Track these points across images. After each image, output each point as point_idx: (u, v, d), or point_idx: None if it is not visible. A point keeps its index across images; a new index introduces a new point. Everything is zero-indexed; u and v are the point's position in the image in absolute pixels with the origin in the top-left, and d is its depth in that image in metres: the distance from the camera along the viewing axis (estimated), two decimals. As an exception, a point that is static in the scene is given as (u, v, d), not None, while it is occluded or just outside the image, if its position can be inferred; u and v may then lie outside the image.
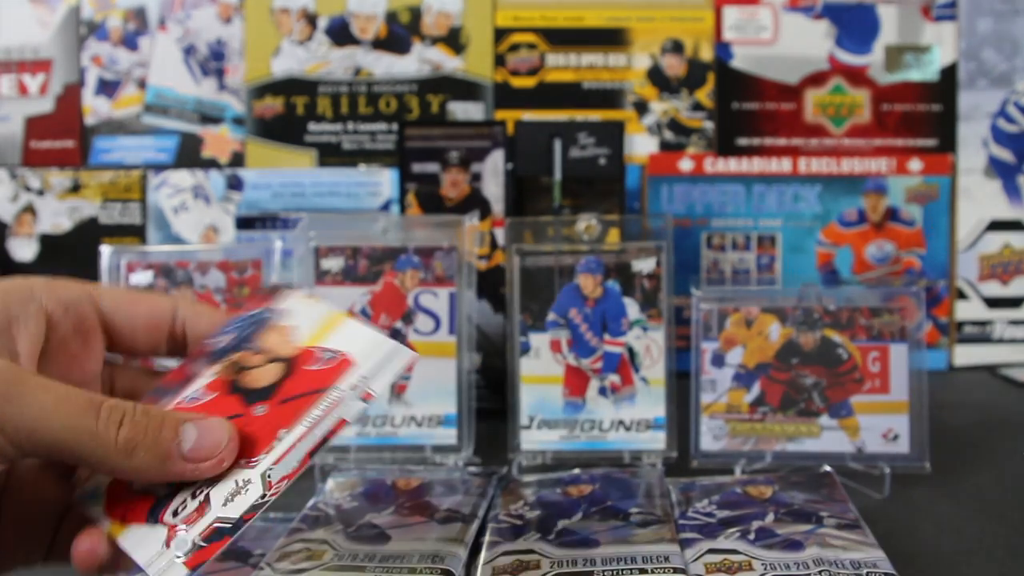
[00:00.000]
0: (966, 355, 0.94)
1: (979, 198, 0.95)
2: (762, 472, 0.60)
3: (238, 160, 0.96)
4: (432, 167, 0.77)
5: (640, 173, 0.94)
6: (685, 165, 0.94)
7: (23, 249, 0.95)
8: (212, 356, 0.38)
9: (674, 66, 0.95)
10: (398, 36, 0.96)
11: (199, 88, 0.97)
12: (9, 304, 0.35)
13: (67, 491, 0.36)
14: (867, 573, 0.42)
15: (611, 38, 0.96)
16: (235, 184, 0.94)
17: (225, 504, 0.31)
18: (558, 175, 0.77)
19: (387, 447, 0.63)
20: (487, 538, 0.48)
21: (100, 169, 0.95)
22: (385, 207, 0.93)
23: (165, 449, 0.31)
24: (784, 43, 0.95)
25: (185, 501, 0.32)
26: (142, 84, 0.97)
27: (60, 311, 0.36)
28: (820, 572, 0.42)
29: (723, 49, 0.96)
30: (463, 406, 0.63)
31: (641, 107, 0.95)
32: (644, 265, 0.63)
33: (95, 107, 0.98)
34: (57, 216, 0.95)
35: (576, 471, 0.58)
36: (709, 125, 0.95)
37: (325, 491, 0.55)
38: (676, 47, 0.95)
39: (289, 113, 0.96)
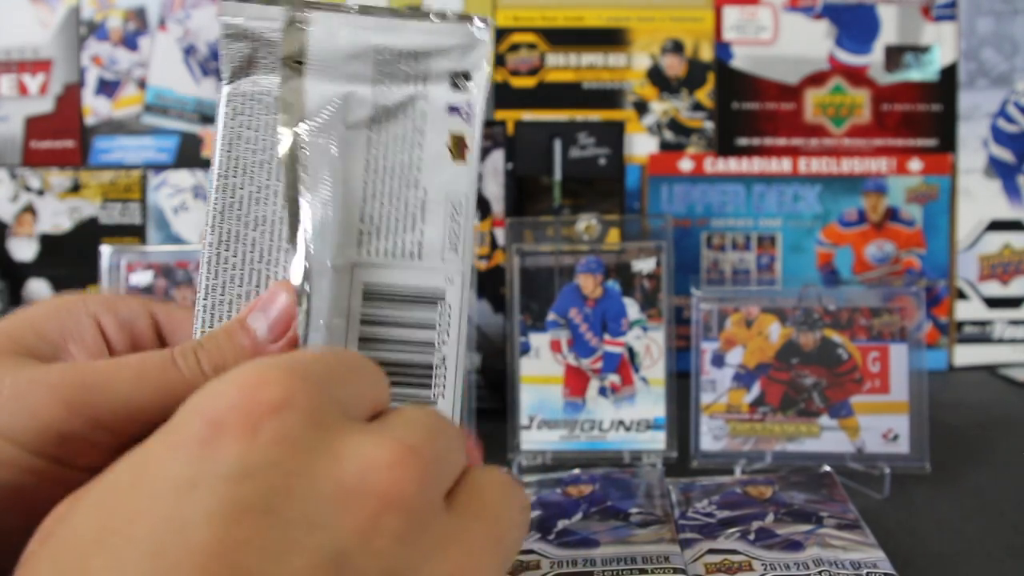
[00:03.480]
0: (966, 355, 0.94)
1: (979, 198, 0.95)
2: (762, 472, 0.60)
3: (238, 160, 0.96)
4: (432, 167, 0.77)
5: (640, 173, 0.94)
6: (685, 165, 0.94)
7: (23, 249, 0.95)
8: None
9: (674, 66, 0.95)
10: (398, 36, 0.96)
11: (199, 88, 0.97)
12: (63, 321, 0.32)
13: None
14: (867, 573, 0.42)
15: (611, 38, 0.96)
16: (235, 184, 0.94)
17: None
18: (558, 175, 0.77)
19: (387, 447, 0.63)
20: (487, 538, 0.48)
21: (100, 169, 0.95)
22: (385, 207, 0.93)
23: (249, 349, 0.30)
24: (784, 43, 0.95)
25: None
26: (142, 84, 0.97)
27: (114, 327, 0.33)
28: (820, 572, 0.42)
29: (723, 49, 0.96)
30: (463, 406, 0.63)
31: (641, 107, 0.95)
32: (644, 265, 0.63)
33: (95, 107, 0.98)
34: (57, 216, 0.95)
35: (576, 471, 0.58)
36: (709, 125, 0.95)
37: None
38: (676, 47, 0.95)
39: (289, 113, 0.96)
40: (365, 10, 0.30)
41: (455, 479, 0.26)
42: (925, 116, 0.95)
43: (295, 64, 0.30)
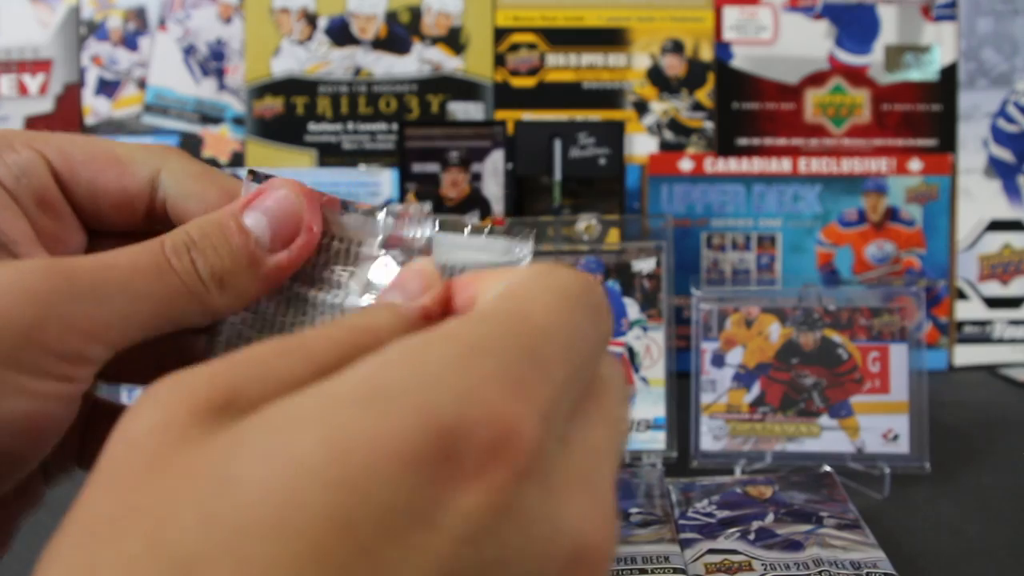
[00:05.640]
0: (966, 355, 0.94)
1: (979, 198, 0.95)
2: (762, 472, 0.60)
3: (238, 160, 0.96)
4: (432, 167, 0.77)
5: (640, 173, 0.94)
6: (685, 165, 0.94)
7: (23, 249, 0.95)
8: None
9: (674, 66, 0.95)
10: (398, 36, 0.96)
11: (199, 88, 0.97)
12: None
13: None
14: (867, 573, 0.42)
15: (611, 38, 0.96)
16: (235, 184, 0.94)
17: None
18: (558, 175, 0.77)
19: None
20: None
21: (100, 169, 0.95)
22: (385, 207, 0.93)
23: (246, 259, 0.24)
24: (784, 43, 0.96)
25: None
26: (142, 84, 0.97)
27: (12, 181, 0.26)
28: (820, 572, 0.42)
29: (723, 49, 0.96)
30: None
31: (641, 107, 0.95)
32: (644, 265, 0.63)
33: (95, 107, 0.98)
34: (57, 216, 0.95)
35: (576, 471, 0.58)
36: (709, 125, 0.95)
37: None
38: (676, 47, 0.95)
39: (289, 113, 0.96)
40: (475, 230, 0.32)
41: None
42: (925, 116, 0.95)
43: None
